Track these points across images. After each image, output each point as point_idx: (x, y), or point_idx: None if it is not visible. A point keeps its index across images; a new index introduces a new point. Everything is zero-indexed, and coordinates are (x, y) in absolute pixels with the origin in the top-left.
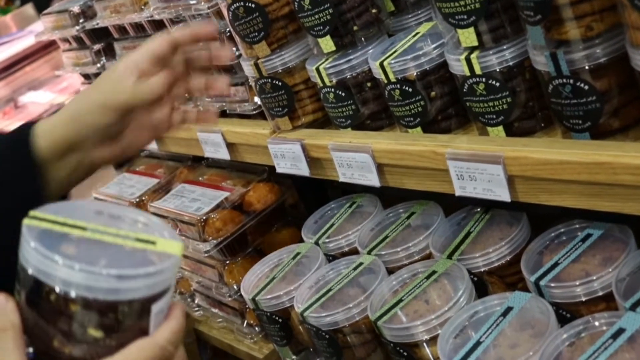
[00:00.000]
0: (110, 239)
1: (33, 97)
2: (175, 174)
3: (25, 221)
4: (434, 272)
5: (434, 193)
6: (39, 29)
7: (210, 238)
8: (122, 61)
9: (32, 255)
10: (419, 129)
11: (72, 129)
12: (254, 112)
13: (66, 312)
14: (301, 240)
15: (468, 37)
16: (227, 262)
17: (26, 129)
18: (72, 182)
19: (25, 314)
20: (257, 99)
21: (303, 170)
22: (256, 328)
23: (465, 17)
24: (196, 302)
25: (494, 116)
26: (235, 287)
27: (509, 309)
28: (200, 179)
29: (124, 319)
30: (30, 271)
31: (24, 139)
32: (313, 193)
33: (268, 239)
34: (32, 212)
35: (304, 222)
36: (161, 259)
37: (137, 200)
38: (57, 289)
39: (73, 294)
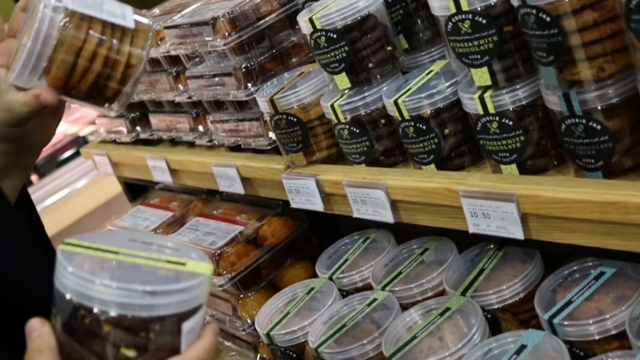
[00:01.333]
0: (142, 262)
1: None
2: (190, 207)
3: (61, 247)
4: (447, 309)
5: (446, 229)
6: None
7: (225, 272)
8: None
9: (68, 279)
10: (432, 165)
11: None
12: (269, 147)
13: (100, 334)
14: (315, 275)
15: (481, 76)
16: (241, 296)
17: None
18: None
19: (61, 338)
20: (271, 134)
21: (317, 205)
22: None
23: (479, 56)
24: None
25: (507, 154)
26: (249, 321)
27: (522, 347)
28: (214, 212)
29: (156, 337)
30: (67, 295)
31: None
32: (326, 227)
33: (282, 273)
34: (67, 240)
35: (317, 256)
36: (193, 278)
37: (152, 232)
38: (95, 309)
39: (109, 312)
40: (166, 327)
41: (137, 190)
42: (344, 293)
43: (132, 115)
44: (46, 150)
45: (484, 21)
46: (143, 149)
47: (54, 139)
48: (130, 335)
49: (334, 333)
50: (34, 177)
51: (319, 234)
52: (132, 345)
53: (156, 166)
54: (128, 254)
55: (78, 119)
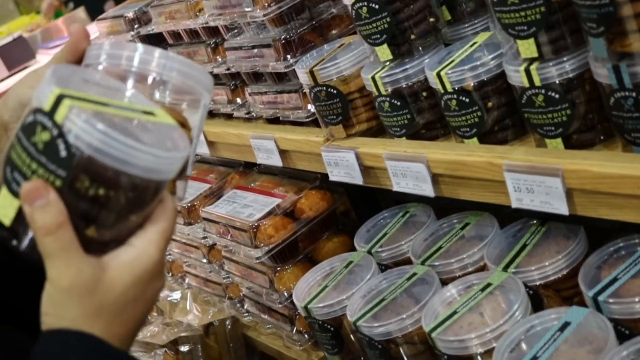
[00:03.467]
0: (128, 114)
1: None
2: (227, 179)
3: (68, 102)
4: (489, 285)
5: (487, 204)
6: (90, 33)
7: (262, 244)
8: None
9: (91, 135)
10: (475, 139)
11: (5, 112)
12: (307, 120)
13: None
14: (352, 249)
15: (528, 48)
16: (278, 268)
17: None
18: None
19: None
20: (310, 107)
21: (357, 178)
22: (305, 335)
23: (526, 28)
24: (245, 307)
25: (553, 128)
26: (285, 293)
27: (566, 324)
28: (252, 185)
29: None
30: (85, 152)
31: None
32: (365, 201)
33: (319, 247)
34: (57, 90)
35: (355, 230)
36: (180, 138)
37: (189, 205)
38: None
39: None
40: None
41: None
42: (383, 267)
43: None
44: None
45: None
46: None
47: None
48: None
49: (373, 307)
50: None
51: (356, 207)
52: (135, 207)
53: None
54: (116, 105)
55: None
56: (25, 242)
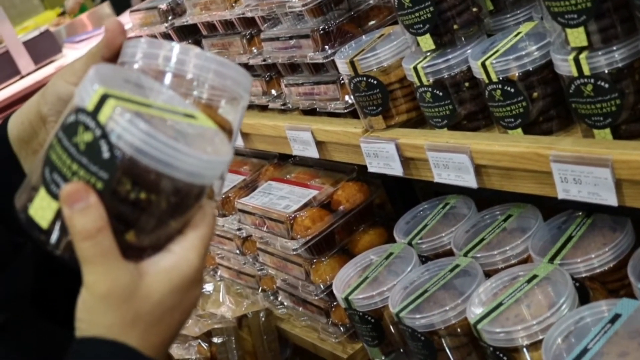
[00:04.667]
0: (170, 116)
1: None
2: (261, 171)
3: (112, 102)
4: (535, 277)
5: (528, 195)
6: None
7: (299, 236)
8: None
9: (135, 136)
10: (519, 130)
11: (44, 104)
12: (345, 111)
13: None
14: (388, 241)
15: (577, 37)
16: (314, 260)
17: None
18: None
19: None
20: (347, 98)
21: (396, 170)
22: (341, 327)
23: (576, 16)
24: (279, 299)
25: (602, 118)
26: (321, 285)
27: (617, 316)
28: (287, 177)
29: (197, 201)
30: (128, 153)
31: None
32: (402, 193)
33: (355, 239)
34: (102, 89)
35: (391, 222)
36: (221, 142)
37: (223, 196)
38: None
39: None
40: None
41: None
42: (423, 259)
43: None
44: None
45: None
46: None
47: None
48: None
49: (415, 299)
50: None
51: (394, 199)
52: (175, 213)
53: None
54: (160, 107)
55: None
56: (63, 246)
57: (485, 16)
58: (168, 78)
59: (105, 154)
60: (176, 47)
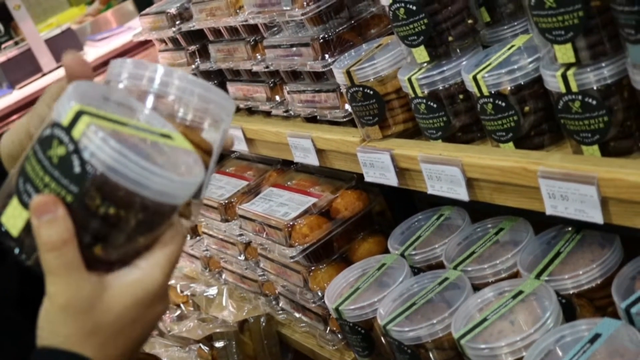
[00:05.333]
0: (145, 136)
1: None
2: (265, 176)
3: (86, 119)
4: (520, 292)
5: (521, 208)
6: (137, 25)
7: (297, 243)
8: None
9: (107, 154)
10: (511, 144)
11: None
12: (345, 120)
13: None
14: (387, 249)
15: (565, 53)
16: (312, 268)
17: None
18: None
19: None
20: (347, 106)
21: (391, 180)
22: (339, 335)
23: (563, 32)
24: (280, 305)
25: (590, 135)
26: (319, 293)
27: (597, 336)
28: (288, 183)
29: (167, 219)
30: (99, 170)
31: None
32: (401, 201)
33: (354, 247)
34: (77, 106)
35: (391, 230)
36: (195, 163)
37: (226, 201)
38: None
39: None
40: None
41: None
42: (416, 270)
43: (210, 83)
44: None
45: None
46: None
47: None
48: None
49: (404, 311)
50: None
51: (392, 208)
52: (145, 229)
53: (232, 134)
54: (135, 126)
55: None
56: (32, 256)
57: (481, 28)
58: (150, 99)
59: (77, 169)
60: (160, 69)
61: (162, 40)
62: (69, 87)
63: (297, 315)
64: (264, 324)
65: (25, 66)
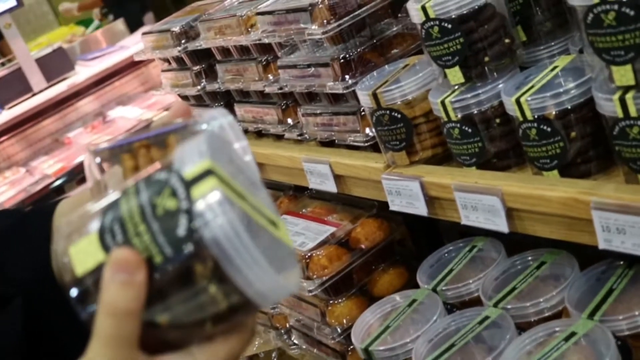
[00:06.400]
0: (257, 218)
1: (122, 112)
2: (276, 204)
3: (213, 182)
4: (573, 334)
5: (563, 241)
6: (129, 44)
7: (315, 276)
8: None
9: (223, 232)
10: (555, 171)
11: None
12: (366, 145)
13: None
14: (409, 281)
15: (624, 75)
16: (331, 301)
17: (51, 206)
18: None
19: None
20: (368, 130)
21: (420, 209)
22: None
23: (623, 52)
24: (293, 339)
25: None
26: (338, 328)
27: None
28: (303, 211)
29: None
30: (206, 243)
31: (47, 217)
32: (425, 231)
33: (374, 279)
34: (208, 163)
35: (412, 261)
36: (291, 264)
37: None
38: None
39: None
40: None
41: None
42: (448, 306)
43: (216, 105)
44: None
45: (632, 13)
46: None
47: (130, 123)
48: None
49: (441, 354)
50: None
51: (415, 237)
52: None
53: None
54: (252, 205)
55: (153, 104)
56: (87, 307)
57: (517, 47)
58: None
59: (181, 232)
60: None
61: (166, 60)
62: (201, 135)
63: (312, 350)
64: (275, 359)
65: (15, 86)
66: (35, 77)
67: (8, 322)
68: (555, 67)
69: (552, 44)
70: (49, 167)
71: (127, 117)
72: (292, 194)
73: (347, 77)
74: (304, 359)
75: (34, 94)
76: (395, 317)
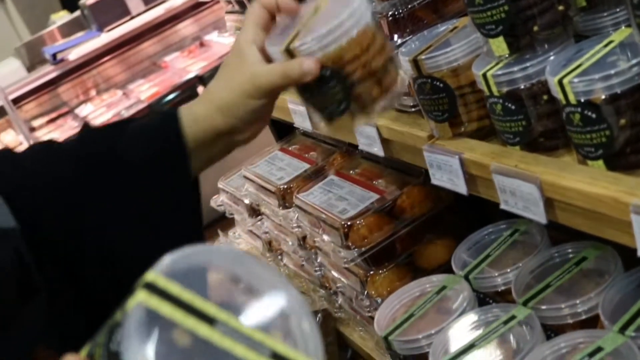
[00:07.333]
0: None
1: (218, 37)
2: (329, 160)
3: (142, 295)
4: (599, 349)
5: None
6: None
7: (354, 246)
8: (242, 43)
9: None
10: (600, 162)
11: (221, 121)
12: (413, 110)
13: None
14: None
15: None
16: (371, 272)
17: (171, 118)
18: (214, 161)
19: None
20: None
21: (460, 187)
22: None
23: None
24: (339, 302)
25: None
26: (378, 300)
27: None
28: (352, 172)
29: None
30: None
31: (174, 128)
32: (474, 202)
33: (420, 250)
34: (150, 277)
35: (462, 231)
36: None
37: (285, 187)
38: None
39: None
40: None
41: (282, 129)
42: (481, 295)
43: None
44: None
45: None
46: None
47: (225, 49)
48: None
49: (460, 353)
50: None
51: (463, 209)
52: None
53: (297, 111)
54: (227, 329)
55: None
56: None
57: (574, 14)
58: None
59: (113, 346)
60: None
61: (229, 2)
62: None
63: (355, 316)
64: (320, 320)
65: (113, 9)
66: (134, 0)
67: (30, 324)
68: (610, 42)
69: (617, 10)
70: (144, 92)
71: (224, 43)
72: (346, 151)
73: (395, 35)
74: (349, 322)
75: (132, 17)
76: (421, 305)
